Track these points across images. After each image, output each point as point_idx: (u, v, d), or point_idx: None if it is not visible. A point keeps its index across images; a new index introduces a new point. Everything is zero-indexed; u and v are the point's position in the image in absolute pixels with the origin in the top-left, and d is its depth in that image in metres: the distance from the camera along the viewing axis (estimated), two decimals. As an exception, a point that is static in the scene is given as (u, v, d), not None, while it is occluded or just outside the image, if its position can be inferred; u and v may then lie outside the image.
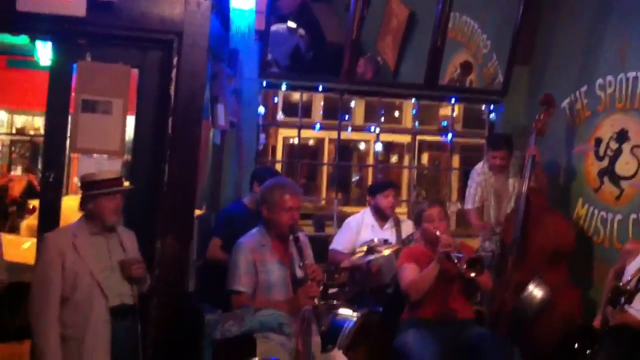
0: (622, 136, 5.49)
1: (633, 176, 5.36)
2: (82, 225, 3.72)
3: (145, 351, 3.94)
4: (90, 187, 3.69)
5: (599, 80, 5.73)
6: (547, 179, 5.76)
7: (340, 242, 5.56)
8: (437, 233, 4.52)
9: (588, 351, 4.39)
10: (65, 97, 4.43)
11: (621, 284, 4.38)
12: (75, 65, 4.40)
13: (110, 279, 3.66)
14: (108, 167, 4.26)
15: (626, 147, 5.45)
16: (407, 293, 4.50)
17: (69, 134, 4.46)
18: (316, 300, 3.91)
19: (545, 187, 5.71)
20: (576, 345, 4.40)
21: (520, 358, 4.39)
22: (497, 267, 5.52)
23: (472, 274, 4.33)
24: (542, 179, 5.66)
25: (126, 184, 3.95)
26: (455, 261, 4.38)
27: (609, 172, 5.59)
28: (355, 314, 4.71)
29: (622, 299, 4.30)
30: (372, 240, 5.27)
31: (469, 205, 5.94)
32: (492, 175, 5.87)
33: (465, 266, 4.32)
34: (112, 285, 3.66)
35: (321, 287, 4.11)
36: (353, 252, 5.37)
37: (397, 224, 5.61)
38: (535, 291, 4.60)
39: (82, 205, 3.72)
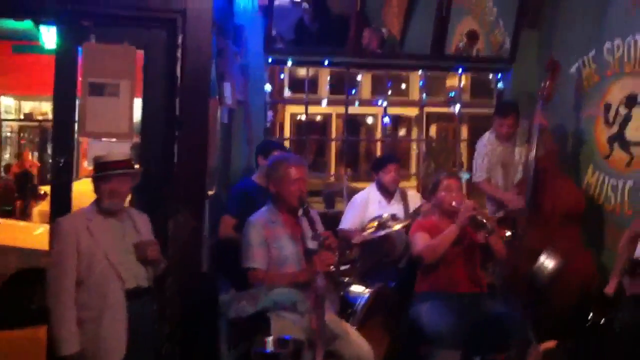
0: (631, 100, 5.44)
1: (644, 141, 5.32)
2: (95, 208, 3.73)
3: (162, 331, 3.96)
4: (103, 168, 3.69)
5: (607, 44, 5.66)
6: (556, 146, 5.73)
7: (348, 220, 5.53)
8: (453, 203, 4.53)
9: (602, 320, 4.39)
10: (72, 81, 4.41)
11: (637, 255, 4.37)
12: (80, 48, 4.37)
13: (125, 262, 3.68)
14: (117, 149, 4.24)
15: (636, 111, 5.39)
16: (420, 255, 4.52)
17: (77, 118, 4.45)
18: (332, 268, 3.92)
19: (556, 154, 5.68)
20: (591, 315, 4.40)
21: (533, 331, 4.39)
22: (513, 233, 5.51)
23: (507, 233, 4.36)
24: (551, 146, 5.63)
25: (136, 166, 3.95)
26: (484, 221, 4.38)
27: (619, 138, 5.55)
28: (367, 290, 4.71)
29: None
30: (382, 216, 5.27)
31: (479, 177, 5.91)
32: (499, 144, 5.83)
33: (494, 225, 4.36)
34: (128, 267, 3.68)
35: (336, 255, 4.12)
36: (362, 229, 5.37)
37: (404, 197, 5.59)
38: (547, 262, 4.60)
39: (95, 187, 3.73)
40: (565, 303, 5.12)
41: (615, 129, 5.59)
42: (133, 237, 3.77)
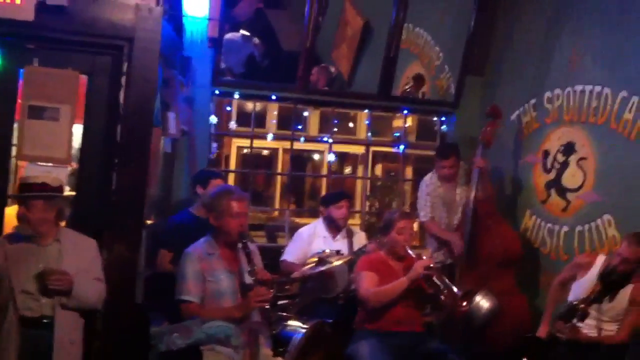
0: (569, 148, 5.61)
1: (579, 188, 5.48)
2: (18, 232, 3.68)
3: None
4: (24, 189, 3.64)
5: (547, 93, 5.85)
6: (494, 190, 5.84)
7: (292, 252, 5.53)
8: (407, 248, 4.57)
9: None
10: (12, 103, 4.33)
11: (576, 302, 4.44)
12: (22, 71, 4.30)
13: (32, 290, 3.59)
14: (55, 175, 4.14)
15: (573, 159, 5.56)
16: (366, 300, 4.51)
17: (14, 141, 4.35)
18: (266, 304, 3.89)
19: (493, 197, 5.79)
20: (525, 358, 4.45)
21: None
22: (447, 276, 5.56)
23: (464, 304, 4.43)
24: (488, 189, 5.74)
25: (70, 192, 3.86)
26: (441, 286, 4.44)
27: (556, 184, 5.70)
28: (304, 325, 4.68)
29: (575, 318, 4.37)
30: (324, 251, 5.26)
31: (423, 217, 5.98)
32: (440, 185, 5.92)
33: (460, 299, 4.48)
34: (34, 296, 3.59)
35: (271, 292, 4.09)
36: (304, 263, 5.35)
37: (350, 235, 5.60)
38: (483, 302, 4.66)
39: (18, 211, 3.70)
40: (500, 344, 5.18)
41: (552, 175, 5.75)
42: (51, 265, 3.64)
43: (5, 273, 3.53)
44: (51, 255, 3.68)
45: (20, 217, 3.65)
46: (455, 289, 4.52)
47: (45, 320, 3.63)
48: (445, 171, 5.83)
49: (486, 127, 5.71)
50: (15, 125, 4.34)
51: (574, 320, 4.41)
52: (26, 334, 3.56)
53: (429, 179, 6.00)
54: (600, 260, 4.66)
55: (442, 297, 4.52)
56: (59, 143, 4.30)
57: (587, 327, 4.49)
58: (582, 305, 4.36)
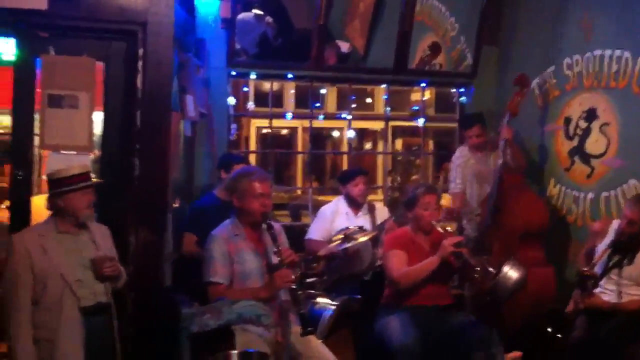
0: (590, 114, 5.54)
1: (603, 154, 5.42)
2: (50, 225, 3.64)
3: (123, 347, 3.88)
4: (59, 185, 3.60)
5: (567, 59, 5.77)
6: (524, 156, 5.79)
7: (316, 231, 5.54)
8: (433, 222, 4.54)
9: (559, 335, 4.43)
10: (31, 93, 4.33)
11: (585, 269, 4.43)
12: (39, 60, 4.31)
13: (83, 278, 3.60)
14: (77, 162, 4.17)
15: (595, 125, 5.50)
16: (397, 281, 4.50)
17: (36, 131, 4.37)
18: (293, 285, 3.89)
19: (523, 165, 5.74)
20: (549, 329, 4.44)
21: (499, 342, 4.41)
22: (478, 248, 5.55)
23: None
24: (519, 159, 5.68)
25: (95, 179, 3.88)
26: (472, 263, 4.43)
27: (579, 151, 5.64)
28: (333, 302, 4.70)
29: (589, 284, 4.35)
30: (348, 228, 5.27)
31: (454, 188, 5.96)
32: (471, 156, 5.89)
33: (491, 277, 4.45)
34: (85, 284, 3.60)
35: (297, 272, 4.10)
36: (329, 241, 5.36)
37: (372, 210, 5.61)
38: (510, 272, 4.63)
39: (51, 203, 3.64)
40: (523, 313, 5.16)
41: (575, 142, 5.69)
42: (91, 252, 3.68)
43: (52, 266, 3.52)
44: (88, 243, 3.70)
45: (60, 210, 3.62)
46: (490, 269, 4.49)
47: (100, 307, 3.66)
48: (474, 140, 5.81)
49: (514, 97, 5.63)
50: (36, 115, 4.36)
51: (589, 287, 4.40)
52: (87, 323, 3.58)
53: (460, 152, 5.99)
54: (615, 224, 4.63)
55: (476, 275, 4.49)
56: (79, 130, 4.32)
57: (608, 293, 4.47)
58: (591, 272, 4.35)
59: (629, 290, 4.44)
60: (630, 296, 4.44)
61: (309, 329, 3.81)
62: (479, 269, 4.48)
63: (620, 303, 4.43)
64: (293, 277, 3.91)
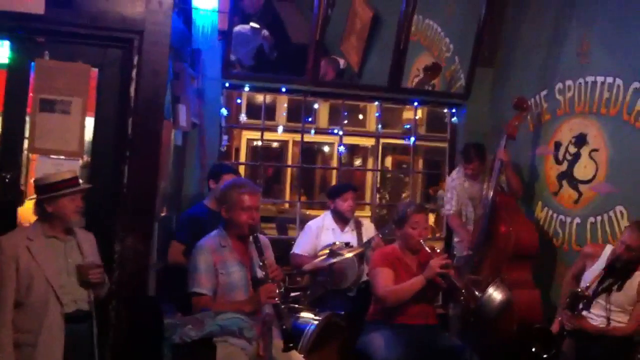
0: (580, 140, 5.58)
1: (591, 180, 5.45)
2: (38, 229, 3.64)
3: (104, 355, 3.86)
4: (48, 190, 3.61)
5: (559, 84, 5.82)
6: (520, 181, 5.83)
7: (302, 245, 5.54)
8: (421, 241, 4.56)
9: (545, 355, 4.43)
10: (23, 97, 4.33)
11: (579, 289, 4.45)
12: (33, 64, 4.31)
13: (67, 284, 3.59)
14: (67, 168, 4.17)
15: (584, 150, 5.53)
16: (383, 298, 4.50)
17: (26, 135, 4.36)
18: (277, 299, 3.89)
19: (519, 189, 5.78)
20: (534, 349, 4.44)
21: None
22: (466, 268, 5.56)
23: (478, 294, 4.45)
24: (514, 181, 5.73)
25: (84, 184, 3.86)
26: (460, 287, 4.44)
27: (568, 176, 5.68)
28: (316, 317, 4.69)
29: (581, 305, 4.36)
30: (334, 243, 5.27)
31: (447, 210, 6.01)
32: (466, 180, 5.94)
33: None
34: (69, 290, 3.59)
35: (282, 287, 4.10)
36: (315, 256, 5.37)
37: (358, 227, 5.61)
38: (495, 294, 4.65)
39: (39, 208, 3.64)
40: (509, 333, 5.17)
41: (564, 166, 5.73)
42: (76, 258, 3.68)
43: (37, 270, 3.51)
44: (73, 249, 3.69)
45: (49, 215, 3.62)
46: (477, 292, 4.51)
47: (82, 315, 3.64)
48: (469, 172, 5.90)
49: (511, 121, 5.67)
50: (27, 119, 4.35)
51: (580, 308, 4.41)
52: (68, 330, 3.56)
53: (455, 174, 6.06)
54: (608, 249, 4.66)
55: (462, 298, 4.50)
56: (70, 136, 4.31)
57: (596, 318, 4.49)
58: (586, 293, 4.35)
59: (616, 317, 4.46)
60: (617, 323, 4.45)
61: (291, 344, 3.81)
62: (464, 291, 4.49)
63: (607, 328, 4.44)
64: (277, 292, 3.91)
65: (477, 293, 4.51)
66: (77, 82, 4.32)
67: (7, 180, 4.26)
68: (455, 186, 5.97)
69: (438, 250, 4.63)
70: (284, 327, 3.85)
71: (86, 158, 4.62)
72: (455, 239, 6.04)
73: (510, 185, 5.75)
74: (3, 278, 3.48)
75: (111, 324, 4.17)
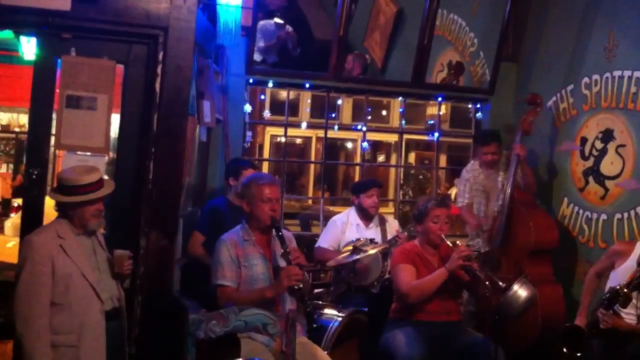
0: (607, 135, 5.52)
1: (618, 176, 5.39)
2: (64, 226, 3.52)
3: (129, 349, 3.89)
4: (69, 192, 3.50)
5: (585, 79, 5.76)
6: (535, 178, 5.78)
7: (326, 240, 5.54)
8: (442, 235, 4.55)
9: (579, 354, 4.36)
10: (50, 93, 4.36)
11: (618, 286, 4.35)
12: (59, 60, 4.34)
13: (100, 281, 3.54)
14: (92, 164, 4.17)
15: (611, 146, 5.47)
16: (406, 294, 4.48)
17: (53, 131, 4.39)
18: (300, 284, 3.90)
19: (533, 185, 5.72)
20: (564, 349, 4.38)
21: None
22: (485, 264, 5.52)
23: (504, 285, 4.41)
24: (529, 177, 5.68)
25: (108, 181, 3.83)
26: (481, 276, 4.41)
27: (594, 172, 5.62)
28: (340, 313, 4.69)
29: (617, 303, 4.28)
30: (358, 240, 5.26)
31: (460, 203, 5.96)
32: (481, 172, 5.89)
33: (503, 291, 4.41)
34: (103, 287, 3.54)
35: (306, 276, 4.10)
36: (339, 251, 5.36)
37: (382, 223, 5.60)
38: (520, 291, 4.60)
39: (60, 207, 3.56)
40: (533, 330, 5.13)
41: (590, 162, 5.66)
42: (101, 254, 3.66)
43: (74, 269, 3.44)
44: (97, 244, 3.65)
45: (69, 216, 3.56)
46: (500, 283, 4.47)
47: (115, 311, 3.61)
48: (488, 157, 5.80)
49: (526, 116, 5.64)
50: (54, 115, 4.38)
51: (616, 307, 4.34)
52: (107, 327, 3.51)
53: (471, 166, 5.98)
54: (639, 246, 4.58)
55: (486, 291, 4.47)
56: (96, 132, 4.34)
57: (628, 317, 4.42)
58: (625, 290, 4.27)
59: None
60: None
61: (315, 325, 3.81)
62: (488, 283, 4.46)
63: (638, 326, 4.37)
64: (300, 274, 3.91)
65: (501, 284, 4.46)
66: (102, 79, 4.35)
67: (34, 176, 4.31)
68: (469, 178, 5.90)
69: (459, 244, 4.61)
70: (308, 309, 3.84)
71: (112, 154, 4.66)
72: (469, 235, 6.00)
73: (525, 181, 5.69)
74: (39, 279, 3.36)
75: (137, 319, 4.20)
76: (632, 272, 4.35)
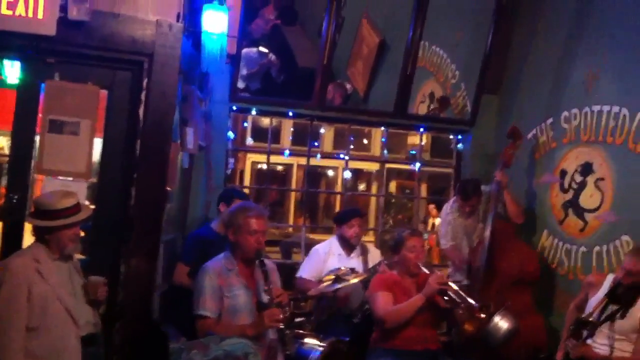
0: (586, 169, 5.58)
1: (597, 209, 5.43)
2: (41, 250, 3.53)
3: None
4: (46, 216, 3.51)
5: (565, 113, 5.83)
6: (519, 206, 5.81)
7: (307, 270, 5.52)
8: (419, 264, 4.58)
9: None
10: (32, 117, 4.36)
11: (583, 315, 4.42)
12: (43, 85, 4.33)
13: (76, 306, 3.54)
14: (74, 189, 4.14)
15: (590, 179, 5.53)
16: (383, 320, 4.49)
17: (35, 155, 4.37)
18: (281, 324, 3.88)
19: (520, 214, 5.75)
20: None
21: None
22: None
23: (482, 315, 4.42)
24: (513, 205, 5.71)
25: (86, 206, 3.81)
26: (458, 300, 4.42)
27: (574, 204, 5.67)
28: (321, 343, 4.67)
29: (585, 332, 4.33)
30: (340, 269, 5.24)
31: (444, 245, 6.00)
32: (460, 215, 5.94)
33: (477, 311, 4.48)
34: (79, 312, 3.54)
35: (286, 312, 4.09)
36: (320, 281, 5.34)
37: (364, 252, 5.59)
38: (501, 322, 4.62)
39: (37, 232, 3.57)
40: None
41: (570, 195, 5.71)
42: (77, 280, 3.64)
43: (51, 293, 3.44)
44: (73, 270, 3.65)
45: (46, 240, 3.56)
46: (472, 301, 4.50)
47: (92, 337, 3.60)
48: (467, 209, 5.89)
49: (506, 149, 5.70)
50: (36, 139, 4.36)
51: (584, 336, 4.38)
52: (84, 353, 3.51)
53: (449, 208, 6.04)
54: (610, 278, 4.64)
55: (460, 311, 4.49)
56: (78, 157, 4.32)
57: (600, 347, 4.45)
58: (589, 319, 4.32)
59: (620, 346, 4.40)
60: (621, 352, 4.41)
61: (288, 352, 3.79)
62: (462, 303, 4.47)
63: (609, 357, 4.40)
64: (281, 317, 3.90)
65: (472, 302, 4.48)
66: (86, 103, 4.35)
67: (14, 200, 4.27)
68: (450, 221, 5.97)
69: (437, 271, 4.64)
70: (287, 352, 3.82)
71: (93, 179, 4.63)
72: (449, 270, 6.02)
73: (508, 211, 5.73)
74: (15, 303, 3.36)
75: (116, 346, 4.15)
76: (599, 301, 4.42)
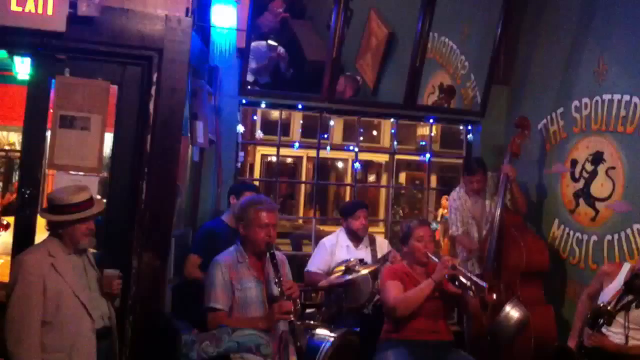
0: (597, 158, 5.57)
1: (608, 198, 5.43)
2: (55, 245, 3.56)
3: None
4: (59, 211, 3.55)
5: (575, 102, 5.81)
6: (525, 198, 5.81)
7: (316, 263, 5.53)
8: (428, 253, 4.58)
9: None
10: (43, 113, 4.39)
11: (601, 304, 4.40)
12: (53, 81, 4.36)
13: (92, 299, 3.56)
14: (85, 183, 4.17)
15: (601, 168, 5.52)
16: (394, 308, 4.49)
17: (46, 150, 4.40)
18: (291, 316, 3.89)
19: (524, 206, 5.76)
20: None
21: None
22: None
23: (494, 296, 4.40)
24: (519, 198, 5.72)
25: (99, 200, 3.84)
26: (468, 284, 4.42)
27: (585, 194, 5.66)
28: (332, 334, 4.68)
29: (602, 321, 4.32)
30: (349, 260, 5.26)
31: (454, 232, 5.99)
32: (467, 199, 5.93)
33: (487, 291, 4.45)
34: (94, 305, 3.56)
35: (297, 304, 4.10)
36: (329, 273, 5.36)
37: (372, 243, 5.61)
38: (512, 312, 4.62)
39: (51, 226, 3.60)
40: (525, 351, 5.14)
41: (581, 184, 5.70)
42: (92, 273, 3.67)
43: (65, 287, 3.46)
44: (87, 263, 3.68)
45: (60, 235, 3.58)
46: (481, 282, 4.50)
47: (106, 330, 3.62)
48: (474, 185, 5.87)
49: (514, 138, 5.70)
50: (47, 135, 4.39)
51: (600, 324, 4.37)
52: (99, 346, 3.52)
53: (456, 194, 6.02)
54: (626, 267, 4.62)
55: (471, 293, 4.48)
56: (89, 152, 4.35)
57: (614, 336, 4.44)
58: (608, 308, 4.31)
59: (634, 335, 4.39)
60: (636, 341, 4.40)
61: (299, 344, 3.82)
62: (472, 286, 4.47)
63: (625, 346, 4.39)
64: (292, 309, 3.91)
65: (481, 283, 4.47)
66: (96, 99, 4.37)
67: (26, 196, 4.30)
68: (458, 207, 5.96)
69: (446, 258, 4.64)
70: (298, 344, 3.84)
71: (105, 174, 4.66)
72: (459, 258, 6.02)
73: (515, 202, 5.74)
74: (30, 298, 3.38)
75: (128, 340, 4.18)
76: (616, 291, 4.40)
